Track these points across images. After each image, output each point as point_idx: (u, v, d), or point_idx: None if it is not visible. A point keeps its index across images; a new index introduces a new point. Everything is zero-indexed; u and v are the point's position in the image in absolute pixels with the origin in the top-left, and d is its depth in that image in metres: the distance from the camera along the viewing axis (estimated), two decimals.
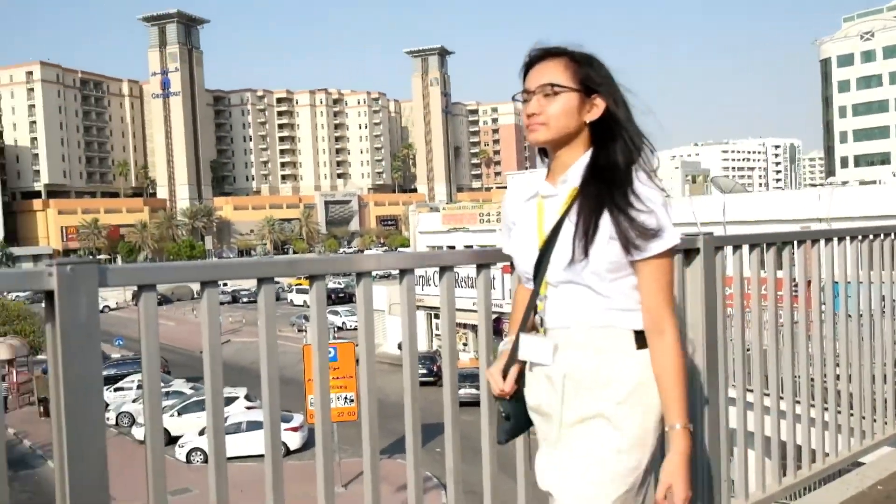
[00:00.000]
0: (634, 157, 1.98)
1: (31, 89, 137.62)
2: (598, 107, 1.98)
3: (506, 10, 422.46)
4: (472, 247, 44.49)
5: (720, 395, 2.86)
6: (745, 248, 3.11)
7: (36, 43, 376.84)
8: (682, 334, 2.20)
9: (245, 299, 71.40)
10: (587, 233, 1.91)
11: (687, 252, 2.76)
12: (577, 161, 2.01)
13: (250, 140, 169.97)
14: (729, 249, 2.99)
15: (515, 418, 2.12)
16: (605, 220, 1.91)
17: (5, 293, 35.60)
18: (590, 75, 1.98)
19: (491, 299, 2.32)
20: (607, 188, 1.93)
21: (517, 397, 2.11)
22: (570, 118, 1.97)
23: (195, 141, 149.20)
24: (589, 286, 1.96)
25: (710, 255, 2.78)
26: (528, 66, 2.04)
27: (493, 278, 2.36)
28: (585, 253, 1.91)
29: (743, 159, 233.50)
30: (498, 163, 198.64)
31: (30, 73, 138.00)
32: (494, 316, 2.39)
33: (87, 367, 1.51)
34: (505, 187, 69.65)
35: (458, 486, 2.24)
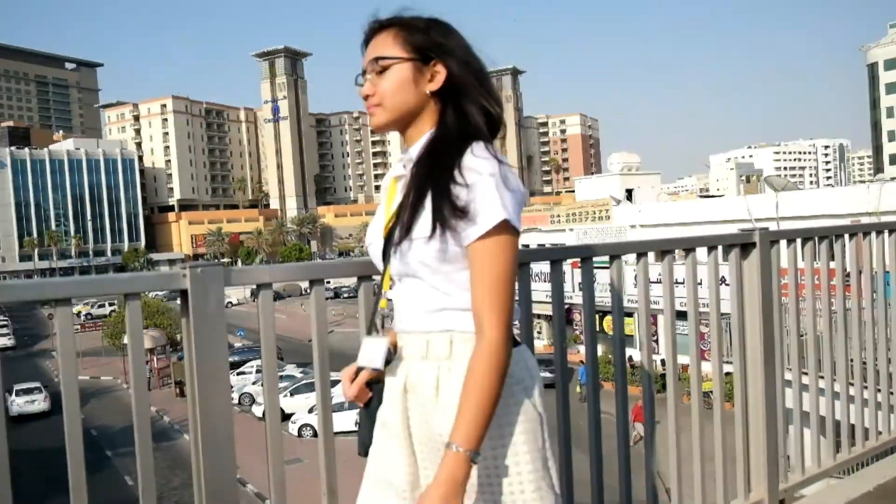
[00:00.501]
0: (472, 127, 1.51)
1: (165, 119, 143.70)
2: (439, 74, 1.52)
3: (572, 27, 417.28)
4: (544, 245, 44.17)
5: (777, 377, 2.76)
6: (799, 241, 3.02)
7: (169, 80, 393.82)
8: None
9: (346, 295, 72.47)
10: (409, 216, 1.46)
11: (744, 246, 2.68)
12: (423, 137, 1.55)
13: (348, 156, 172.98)
14: (783, 243, 2.88)
15: (367, 429, 1.62)
16: (429, 201, 1.44)
17: (148, 292, 37.32)
18: (424, 41, 1.52)
19: (563, 292, 2.30)
20: (434, 163, 1.47)
21: (370, 405, 1.63)
22: (405, 92, 1.52)
23: (301, 158, 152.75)
24: (422, 279, 1.48)
25: (766, 249, 2.70)
26: (366, 44, 1.58)
27: (564, 273, 2.33)
28: (406, 237, 1.46)
29: (794, 159, 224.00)
30: (566, 169, 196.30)
31: (164, 106, 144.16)
32: (566, 307, 2.37)
33: (216, 354, 1.57)
34: (573, 191, 68.77)
35: None
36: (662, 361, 2.57)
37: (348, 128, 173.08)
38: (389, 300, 1.59)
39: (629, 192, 45.93)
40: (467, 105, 1.52)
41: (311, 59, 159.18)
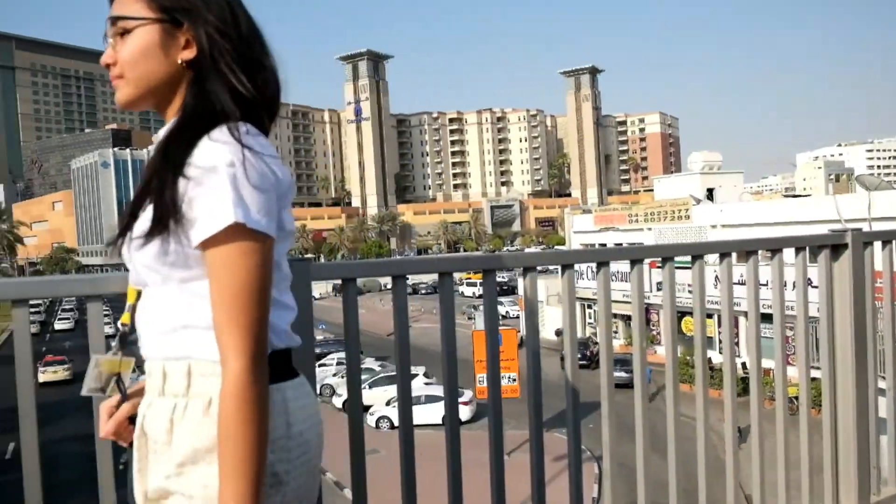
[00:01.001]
0: (215, 106, 1.17)
1: None
2: (193, 40, 1.18)
3: (653, 25, 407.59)
4: (622, 244, 43.38)
5: (869, 385, 2.62)
6: (895, 243, 2.82)
7: None
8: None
9: (423, 291, 73.09)
10: (130, 211, 1.17)
11: (835, 247, 2.55)
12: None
13: (427, 155, 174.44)
14: (878, 245, 2.72)
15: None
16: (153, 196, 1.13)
17: None
18: None
19: (644, 291, 2.25)
20: (162, 151, 1.15)
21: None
22: (151, 61, 1.17)
23: (382, 158, 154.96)
24: (154, 288, 1.18)
25: (859, 250, 2.56)
26: (111, 3, 1.21)
27: (643, 270, 2.28)
28: (125, 235, 1.18)
29: (889, 157, 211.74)
30: (645, 168, 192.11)
31: None
32: (645, 305, 2.32)
33: (303, 345, 1.61)
34: (651, 191, 67.22)
35: (613, 458, 2.18)
36: (743, 364, 2.49)
37: (428, 128, 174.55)
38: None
39: (710, 192, 44.60)
40: (212, 80, 1.18)
41: (392, 62, 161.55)
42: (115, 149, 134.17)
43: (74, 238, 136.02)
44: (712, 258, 2.45)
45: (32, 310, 1.46)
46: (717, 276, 2.45)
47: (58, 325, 60.82)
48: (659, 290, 2.42)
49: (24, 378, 1.43)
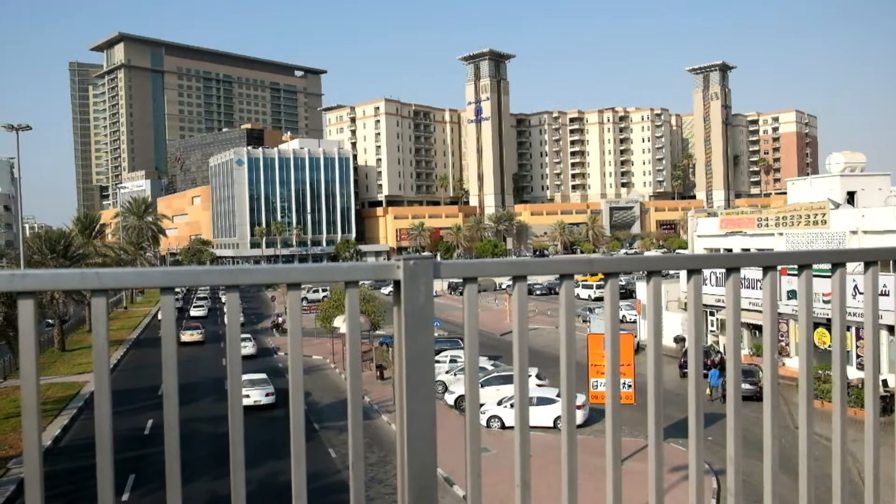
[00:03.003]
0: None
1: (378, 121, 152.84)
2: None
3: (787, 21, 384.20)
4: (749, 250, 41.25)
5: None
6: None
7: (383, 83, 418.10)
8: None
9: (538, 292, 72.68)
10: None
11: None
12: None
13: (546, 155, 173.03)
14: None
15: None
16: None
17: (364, 281, 39.95)
18: None
19: (777, 299, 2.13)
20: None
21: None
22: None
23: (501, 157, 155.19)
24: None
25: None
26: None
27: (777, 277, 2.16)
28: None
29: None
30: (777, 170, 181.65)
31: (377, 108, 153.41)
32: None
33: (423, 342, 1.64)
34: (783, 193, 63.41)
35: (737, 474, 2.08)
36: (884, 382, 2.30)
37: (547, 127, 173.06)
38: None
39: (851, 196, 41.64)
40: None
41: (514, 61, 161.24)
42: (249, 147, 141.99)
43: (210, 231, 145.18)
44: (851, 267, 2.28)
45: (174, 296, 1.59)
46: (855, 286, 2.28)
47: (193, 312, 65.27)
48: (789, 298, 2.28)
49: (168, 356, 1.54)
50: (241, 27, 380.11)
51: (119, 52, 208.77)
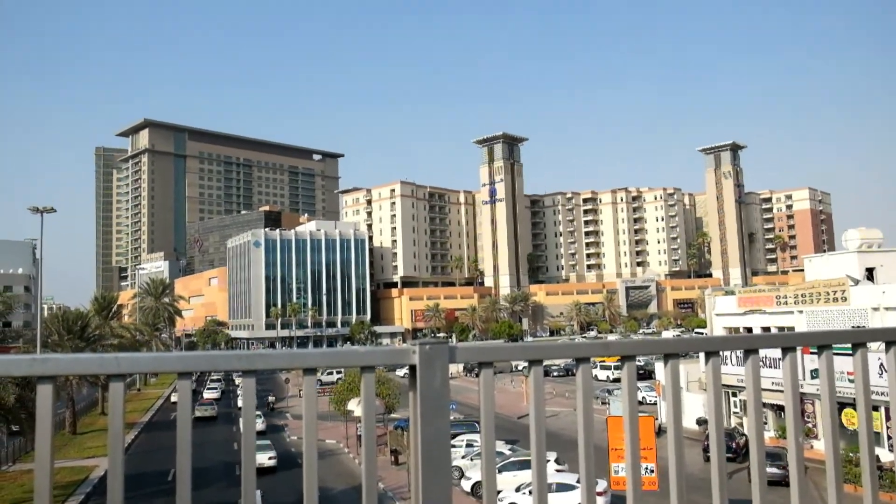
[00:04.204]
0: None
1: (394, 202, 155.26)
2: None
3: (797, 98, 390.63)
4: (769, 329, 40.70)
5: None
6: None
7: (399, 166, 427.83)
8: None
9: (555, 373, 71.66)
10: None
11: None
12: None
13: (560, 235, 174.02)
14: None
15: None
16: None
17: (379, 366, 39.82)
18: None
19: (798, 381, 2.10)
20: None
21: None
22: None
23: (515, 238, 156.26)
24: None
25: None
26: None
27: (797, 358, 2.13)
28: None
29: None
30: (793, 247, 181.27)
31: (393, 190, 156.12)
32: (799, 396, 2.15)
33: (439, 426, 1.62)
34: (801, 270, 63.06)
35: None
36: None
37: (561, 208, 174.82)
38: None
39: (870, 272, 41.31)
40: None
41: (527, 143, 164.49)
42: (266, 229, 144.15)
43: (226, 311, 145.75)
44: (876, 344, 2.25)
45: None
46: (881, 365, 2.25)
47: (206, 395, 64.95)
48: (813, 377, 2.24)
49: (183, 441, 1.53)
50: (262, 113, 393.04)
51: (144, 138, 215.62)
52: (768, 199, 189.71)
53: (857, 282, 37.98)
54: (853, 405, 2.18)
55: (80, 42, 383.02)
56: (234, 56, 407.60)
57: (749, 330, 43.13)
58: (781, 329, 39.21)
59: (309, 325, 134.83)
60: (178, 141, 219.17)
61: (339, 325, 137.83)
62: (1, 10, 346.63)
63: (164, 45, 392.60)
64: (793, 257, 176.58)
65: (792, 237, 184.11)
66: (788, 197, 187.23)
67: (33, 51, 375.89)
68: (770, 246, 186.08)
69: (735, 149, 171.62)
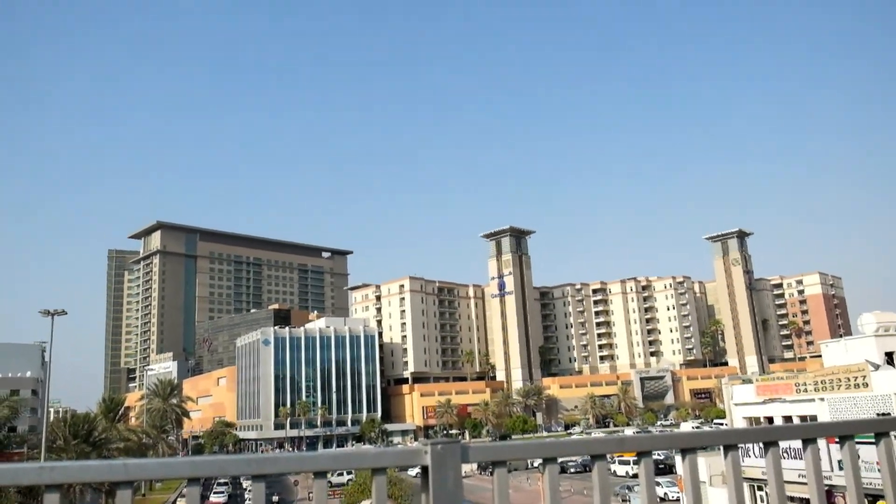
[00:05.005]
0: None
1: (403, 298, 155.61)
2: None
3: (800, 189, 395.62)
4: (790, 418, 39.65)
5: None
6: None
7: (407, 261, 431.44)
8: None
9: (573, 469, 69.47)
10: None
11: None
12: None
13: (571, 327, 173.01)
14: None
15: None
16: None
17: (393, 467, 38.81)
18: None
19: (822, 473, 2.04)
20: None
21: None
22: None
23: (526, 331, 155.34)
24: None
25: None
26: None
27: (818, 449, 2.08)
28: None
29: None
30: (809, 332, 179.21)
31: (402, 286, 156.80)
32: (825, 488, 2.09)
33: None
34: (818, 356, 62.04)
35: None
36: None
37: (571, 300, 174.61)
38: None
39: (889, 356, 40.61)
40: None
41: (534, 236, 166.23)
42: (276, 327, 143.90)
43: (234, 411, 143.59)
44: None
45: None
46: None
47: (213, 498, 63.37)
48: (841, 468, 2.18)
49: None
50: (272, 212, 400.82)
51: (156, 239, 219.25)
52: (779, 285, 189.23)
53: (877, 367, 37.30)
54: (883, 496, 2.12)
55: (96, 152, 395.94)
56: (245, 158, 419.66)
57: (770, 420, 42.05)
58: (803, 418, 38.23)
59: (319, 423, 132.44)
60: (190, 242, 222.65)
61: (349, 423, 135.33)
62: (23, 128, 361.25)
63: (178, 148, 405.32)
64: (809, 343, 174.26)
65: (806, 322, 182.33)
66: (799, 282, 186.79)
67: (50, 159, 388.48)
68: (785, 332, 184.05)
69: (741, 236, 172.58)
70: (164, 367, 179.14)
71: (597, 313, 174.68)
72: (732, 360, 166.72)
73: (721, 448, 1.97)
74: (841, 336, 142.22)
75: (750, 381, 51.43)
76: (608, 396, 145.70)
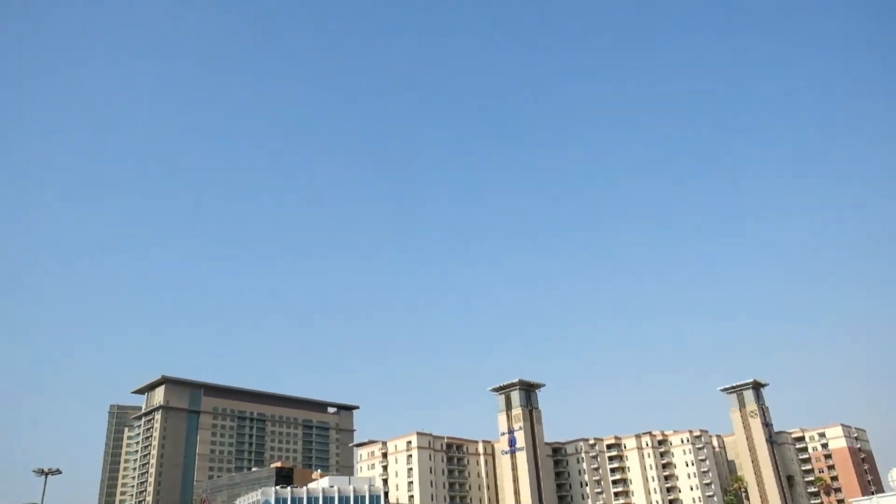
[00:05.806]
0: None
1: (410, 455, 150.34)
2: None
3: (814, 341, 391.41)
4: None
5: None
6: None
7: (414, 417, 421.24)
8: None
9: None
10: None
11: None
12: None
13: (586, 485, 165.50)
14: None
15: None
16: None
17: None
18: None
19: None
20: None
21: None
22: None
23: (539, 488, 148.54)
24: None
25: None
26: None
27: None
28: None
29: None
30: (838, 489, 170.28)
31: (409, 442, 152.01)
32: None
33: None
34: None
35: None
36: None
37: (585, 455, 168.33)
38: None
39: None
40: None
41: (544, 389, 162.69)
42: (277, 486, 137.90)
43: None
44: None
45: None
46: None
47: None
48: None
49: None
50: (276, 365, 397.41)
51: (159, 394, 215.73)
52: (801, 438, 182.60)
53: None
54: None
55: (97, 310, 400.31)
56: (252, 310, 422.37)
57: None
58: None
59: None
60: (194, 397, 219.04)
61: None
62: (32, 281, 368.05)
63: (183, 306, 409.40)
64: (839, 501, 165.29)
65: (834, 478, 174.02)
66: (822, 435, 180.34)
67: (56, 317, 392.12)
68: (812, 489, 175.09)
69: (757, 386, 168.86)
70: None
71: (612, 470, 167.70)
72: None
73: None
74: (873, 493, 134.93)
75: None
76: None
